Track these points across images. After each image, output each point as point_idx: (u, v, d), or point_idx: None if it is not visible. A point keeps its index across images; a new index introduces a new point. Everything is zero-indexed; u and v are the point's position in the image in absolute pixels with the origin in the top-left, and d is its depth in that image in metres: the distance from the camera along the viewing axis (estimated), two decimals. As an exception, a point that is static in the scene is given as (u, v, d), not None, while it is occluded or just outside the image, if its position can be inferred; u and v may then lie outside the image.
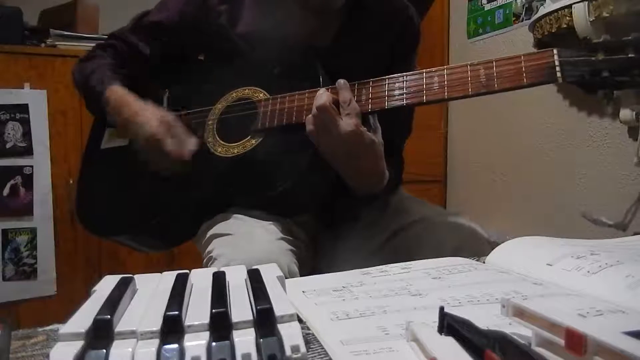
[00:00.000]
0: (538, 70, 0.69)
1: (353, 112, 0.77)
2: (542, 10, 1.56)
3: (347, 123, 0.76)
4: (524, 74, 0.70)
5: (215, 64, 0.98)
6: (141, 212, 0.94)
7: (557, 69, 0.68)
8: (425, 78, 0.77)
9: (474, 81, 0.73)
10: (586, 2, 1.37)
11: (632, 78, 0.65)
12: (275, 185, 0.82)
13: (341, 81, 0.79)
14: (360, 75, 0.82)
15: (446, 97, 0.74)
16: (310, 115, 0.78)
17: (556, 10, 1.48)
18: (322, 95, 0.77)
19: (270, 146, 0.85)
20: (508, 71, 0.71)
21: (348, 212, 0.97)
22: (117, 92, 0.96)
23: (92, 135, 1.09)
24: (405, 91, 0.78)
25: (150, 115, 0.90)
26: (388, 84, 0.79)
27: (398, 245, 0.89)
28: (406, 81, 0.78)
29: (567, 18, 1.44)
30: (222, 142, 0.90)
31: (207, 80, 0.97)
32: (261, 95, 0.90)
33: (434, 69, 0.76)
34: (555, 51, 0.69)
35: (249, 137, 0.87)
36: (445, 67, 0.76)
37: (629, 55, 0.65)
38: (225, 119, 0.93)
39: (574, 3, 1.40)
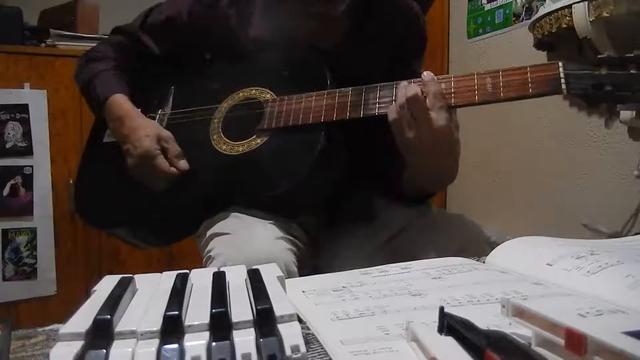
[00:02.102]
0: (543, 81, 0.71)
1: (446, 106, 0.74)
2: (542, 10, 1.56)
3: (441, 117, 0.73)
4: (530, 85, 0.72)
5: (222, 64, 0.99)
6: (142, 206, 0.94)
7: (562, 81, 0.70)
8: None
9: (481, 90, 0.74)
10: (586, 2, 1.37)
11: (633, 93, 0.67)
12: (279, 185, 0.82)
13: (428, 74, 0.76)
14: (366, 76, 0.83)
15: (452, 104, 0.75)
16: (395, 105, 0.76)
17: (556, 10, 1.48)
18: (413, 86, 0.75)
19: (275, 146, 0.85)
20: (514, 81, 0.73)
21: (349, 212, 0.97)
22: (118, 103, 0.97)
23: (95, 128, 1.10)
24: None
25: (147, 132, 0.92)
26: (395, 88, 0.79)
27: (399, 245, 0.89)
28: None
29: (567, 18, 1.43)
30: (227, 140, 0.90)
31: (214, 79, 0.98)
32: (268, 95, 0.90)
33: (440, 77, 0.77)
34: (560, 64, 0.71)
35: (254, 136, 0.87)
36: (452, 75, 0.77)
37: (631, 72, 0.67)
38: (231, 118, 0.93)
39: (574, 3, 1.40)
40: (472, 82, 0.75)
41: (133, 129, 0.93)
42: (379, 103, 0.80)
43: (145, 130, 0.93)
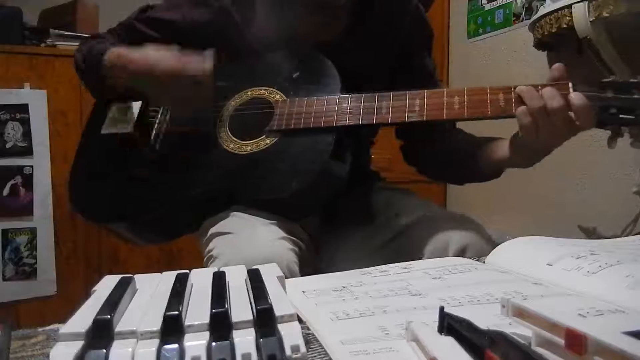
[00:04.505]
0: None
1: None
2: (542, 10, 1.57)
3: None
4: None
5: (227, 62, 0.97)
6: (143, 201, 0.93)
7: None
8: (446, 97, 0.80)
9: (494, 104, 0.76)
10: (586, 2, 1.37)
11: (637, 117, 0.69)
12: (288, 187, 0.82)
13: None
14: (371, 73, 0.83)
15: (466, 116, 0.78)
16: (547, 110, 0.73)
17: (556, 10, 1.48)
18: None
19: (285, 147, 0.85)
20: None
21: (350, 212, 0.97)
22: (118, 49, 0.94)
23: (92, 120, 1.07)
24: (426, 107, 0.81)
25: (160, 48, 0.90)
26: (408, 98, 0.81)
27: (400, 245, 0.88)
28: (426, 97, 0.81)
29: (567, 18, 1.44)
30: (235, 139, 0.90)
31: (219, 77, 0.96)
32: (277, 96, 0.90)
33: (454, 89, 0.80)
34: (570, 84, 0.72)
35: (263, 136, 0.87)
36: (465, 88, 0.79)
37: (634, 96, 0.69)
38: (239, 117, 0.92)
39: (574, 3, 1.40)
40: (484, 96, 0.77)
41: (145, 56, 0.90)
42: (391, 111, 0.81)
43: (157, 49, 0.90)
